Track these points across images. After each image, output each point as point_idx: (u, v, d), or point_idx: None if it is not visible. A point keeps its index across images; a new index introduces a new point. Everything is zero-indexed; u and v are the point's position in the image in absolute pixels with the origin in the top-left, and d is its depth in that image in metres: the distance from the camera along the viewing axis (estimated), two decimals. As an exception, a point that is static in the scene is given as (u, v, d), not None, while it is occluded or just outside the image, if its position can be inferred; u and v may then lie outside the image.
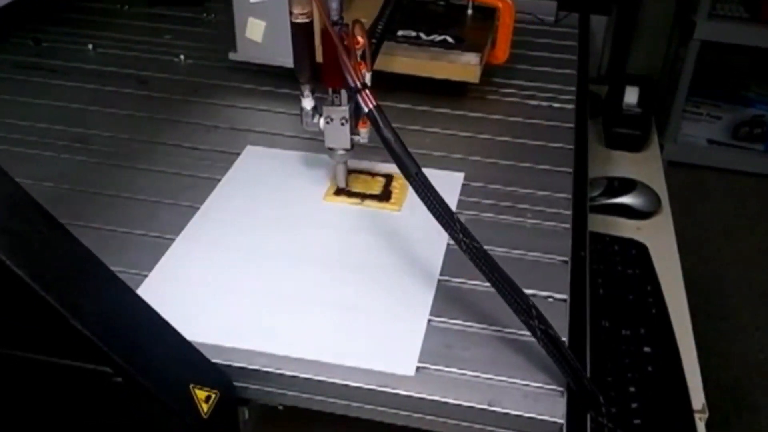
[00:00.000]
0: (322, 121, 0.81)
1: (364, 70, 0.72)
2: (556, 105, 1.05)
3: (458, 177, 0.89)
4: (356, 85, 0.68)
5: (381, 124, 0.66)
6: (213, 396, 0.61)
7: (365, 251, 0.79)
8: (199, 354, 0.63)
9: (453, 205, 0.84)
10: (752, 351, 1.86)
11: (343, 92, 0.78)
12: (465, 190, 0.88)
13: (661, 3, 2.12)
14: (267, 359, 0.66)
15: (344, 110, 0.79)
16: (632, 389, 0.90)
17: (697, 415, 0.90)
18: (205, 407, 0.60)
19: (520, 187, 0.88)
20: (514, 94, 1.07)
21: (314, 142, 0.94)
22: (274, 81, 1.08)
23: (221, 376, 0.65)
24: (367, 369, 0.66)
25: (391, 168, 0.87)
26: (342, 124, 0.80)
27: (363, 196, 0.86)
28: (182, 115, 1.01)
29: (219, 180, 0.88)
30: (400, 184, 0.87)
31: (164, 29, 1.24)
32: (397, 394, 0.64)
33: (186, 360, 0.62)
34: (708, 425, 0.90)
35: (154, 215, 0.83)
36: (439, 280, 0.75)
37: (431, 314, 0.71)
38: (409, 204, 0.85)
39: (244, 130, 0.98)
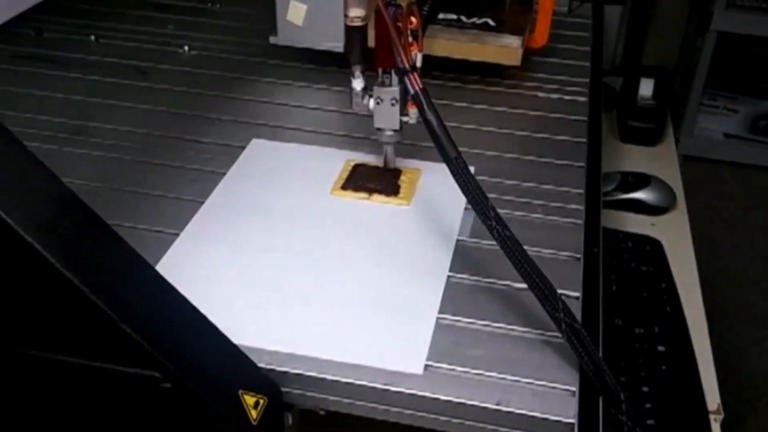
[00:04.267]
0: (371, 101, 0.81)
1: (415, 51, 0.73)
2: (568, 97, 1.04)
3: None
4: (405, 66, 0.69)
5: (425, 106, 0.68)
6: (261, 402, 0.60)
7: (372, 247, 0.78)
8: (247, 358, 0.62)
9: (464, 199, 0.82)
10: (769, 350, 1.85)
11: (394, 73, 0.79)
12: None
13: (677, -7, 2.11)
14: (268, 356, 0.65)
15: (395, 91, 0.80)
16: (646, 389, 0.90)
17: (711, 416, 0.89)
18: (254, 413, 0.59)
19: (531, 182, 0.87)
20: (525, 87, 1.06)
21: (320, 135, 0.93)
22: (279, 73, 1.07)
23: (269, 381, 0.64)
24: (374, 367, 0.65)
25: (400, 162, 0.87)
26: (392, 104, 0.80)
27: (371, 191, 0.84)
28: (186, 107, 1.00)
29: (224, 174, 0.87)
30: (408, 178, 0.86)
31: (168, 20, 1.23)
32: (404, 393, 0.63)
33: (234, 365, 0.61)
34: (723, 426, 0.89)
35: (157, 210, 0.82)
36: (448, 277, 0.74)
37: (440, 312, 0.70)
38: (418, 199, 0.84)
39: (249, 123, 0.97)
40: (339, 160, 0.88)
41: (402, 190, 0.85)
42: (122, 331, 0.50)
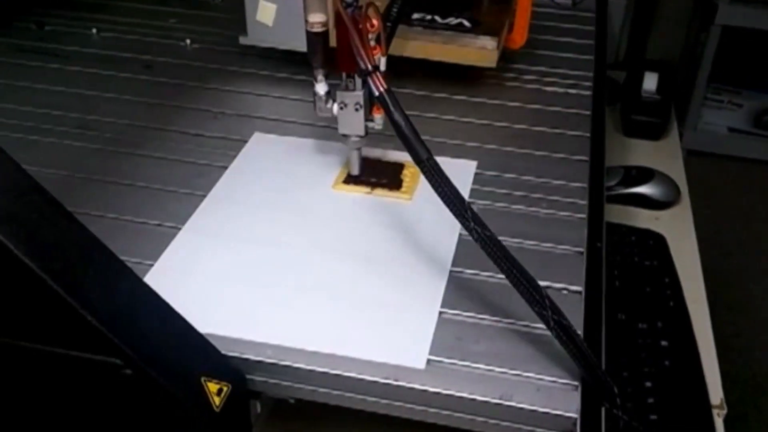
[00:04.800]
0: (335, 106, 0.79)
1: (378, 54, 0.71)
2: (572, 91, 1.03)
3: (471, 165, 0.88)
4: (367, 67, 0.67)
5: (392, 107, 0.66)
6: (225, 389, 0.60)
7: (375, 241, 0.77)
8: (211, 346, 0.62)
9: (466, 194, 0.83)
10: (772, 346, 1.85)
11: (358, 77, 0.77)
12: (478, 178, 0.86)
13: (682, -14, 2.10)
14: (273, 350, 0.65)
15: (358, 95, 0.78)
16: (649, 384, 0.89)
17: (715, 411, 0.89)
18: (217, 400, 0.59)
19: (534, 176, 0.86)
20: (529, 80, 1.06)
21: (323, 129, 0.93)
22: (281, 66, 1.06)
23: (233, 369, 0.64)
24: (377, 361, 0.65)
25: (403, 156, 0.87)
26: (356, 109, 0.78)
27: (373, 185, 0.84)
28: (188, 100, 1.00)
29: (226, 168, 0.87)
30: (411, 172, 0.85)
31: (170, 13, 1.22)
32: (406, 387, 0.63)
33: (197, 352, 0.61)
34: (726, 421, 0.89)
35: (159, 203, 0.82)
36: (451, 271, 0.74)
37: (442, 306, 0.70)
38: (421, 193, 0.83)
39: (251, 117, 0.97)
40: (342, 155, 0.88)
41: (404, 184, 0.84)
42: (82, 318, 0.50)
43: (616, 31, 1.55)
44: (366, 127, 0.80)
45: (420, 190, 0.84)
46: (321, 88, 0.80)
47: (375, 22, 0.71)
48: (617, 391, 0.63)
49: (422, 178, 0.84)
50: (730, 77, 2.27)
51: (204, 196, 0.83)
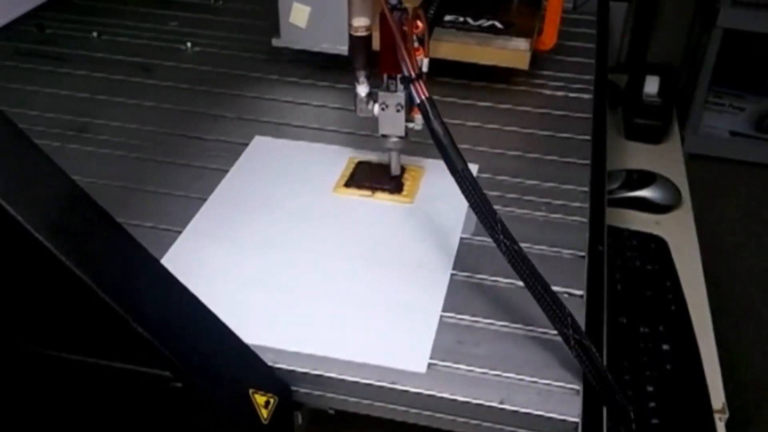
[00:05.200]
0: (377, 107, 0.80)
1: (421, 56, 0.72)
2: (573, 95, 1.03)
3: (472, 169, 0.87)
4: (411, 74, 0.68)
5: (431, 116, 0.66)
6: (272, 401, 0.60)
7: (376, 245, 0.77)
8: (258, 358, 0.62)
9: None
10: (774, 350, 1.84)
11: (399, 78, 0.77)
12: (481, 182, 0.85)
13: (684, -11, 2.10)
14: (271, 354, 0.65)
15: (400, 97, 0.78)
16: (650, 388, 0.89)
17: (716, 415, 0.89)
18: (264, 413, 0.59)
19: (535, 180, 0.86)
20: (530, 84, 1.05)
21: (324, 133, 0.93)
22: (284, 70, 1.07)
23: (279, 381, 0.64)
24: (377, 365, 0.64)
25: (404, 159, 0.86)
26: (397, 110, 0.79)
27: (374, 188, 0.84)
28: (189, 104, 1.00)
29: (227, 171, 0.87)
30: (412, 176, 0.85)
31: (171, 16, 1.22)
32: (407, 391, 0.63)
33: (245, 364, 0.61)
34: (728, 425, 0.89)
35: (159, 207, 0.82)
36: (452, 275, 0.74)
37: (443, 310, 0.70)
38: (422, 196, 0.83)
39: (252, 120, 0.96)
40: (342, 158, 0.88)
41: (405, 188, 0.84)
42: (133, 330, 0.50)
43: (617, 34, 1.55)
44: (406, 127, 0.80)
45: (421, 193, 0.84)
46: (362, 89, 0.80)
47: (420, 24, 0.72)
48: (633, 416, 0.63)
49: (423, 181, 0.85)
50: (732, 80, 2.26)
51: (204, 200, 0.82)
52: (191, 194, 0.83)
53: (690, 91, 2.17)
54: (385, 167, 0.86)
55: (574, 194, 0.84)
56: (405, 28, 0.70)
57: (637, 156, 1.33)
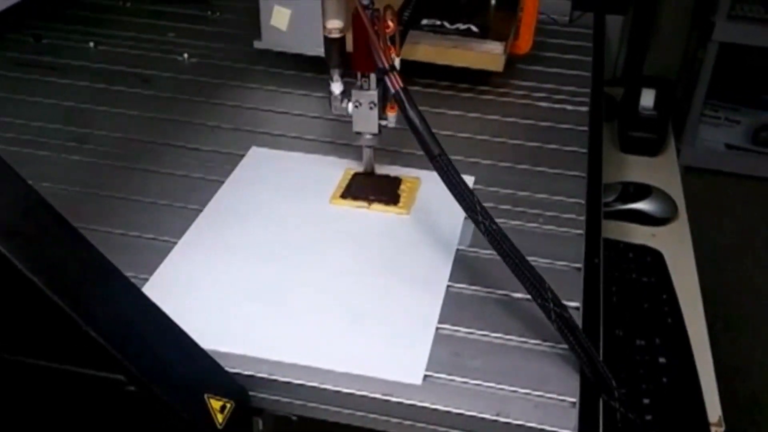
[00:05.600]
0: (350, 105, 0.81)
1: (393, 54, 0.73)
2: (569, 107, 1.03)
3: (468, 181, 0.87)
4: (385, 66, 0.70)
5: (407, 105, 0.68)
6: (228, 406, 0.60)
7: (372, 256, 0.77)
8: (215, 363, 0.62)
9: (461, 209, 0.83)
10: (771, 363, 1.84)
11: (372, 77, 0.79)
12: (476, 193, 0.85)
13: (679, 3, 2.10)
14: (270, 366, 0.65)
15: (373, 94, 0.80)
16: (647, 401, 0.89)
17: (713, 428, 0.89)
18: (220, 417, 0.59)
19: (532, 192, 0.86)
20: (526, 96, 1.06)
21: (320, 144, 0.93)
22: (281, 81, 1.06)
23: (237, 386, 0.63)
24: (373, 377, 0.64)
25: (400, 171, 0.86)
26: (370, 108, 0.80)
27: (370, 200, 0.84)
28: (185, 115, 0.99)
29: (223, 182, 0.87)
30: (408, 187, 0.85)
31: (168, 27, 1.22)
32: (403, 403, 0.63)
33: (201, 369, 0.61)
34: (724, 439, 0.88)
35: (155, 217, 0.82)
36: (448, 286, 0.73)
37: (439, 322, 0.70)
38: (418, 208, 0.83)
39: (248, 131, 0.96)
40: (339, 169, 0.88)
41: (402, 200, 0.84)
42: (86, 334, 0.50)
43: (613, 47, 1.56)
44: (379, 125, 0.81)
45: (417, 204, 0.84)
46: (336, 87, 0.82)
47: (391, 23, 0.74)
48: (615, 385, 0.63)
49: (419, 193, 0.85)
50: (728, 94, 2.27)
51: (200, 211, 0.82)
52: (187, 205, 0.83)
53: (686, 104, 2.18)
54: (381, 178, 0.86)
55: (571, 207, 0.84)
56: (376, 27, 0.72)
57: (633, 169, 1.33)
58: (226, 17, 1.26)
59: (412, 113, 0.68)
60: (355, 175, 0.87)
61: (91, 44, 1.17)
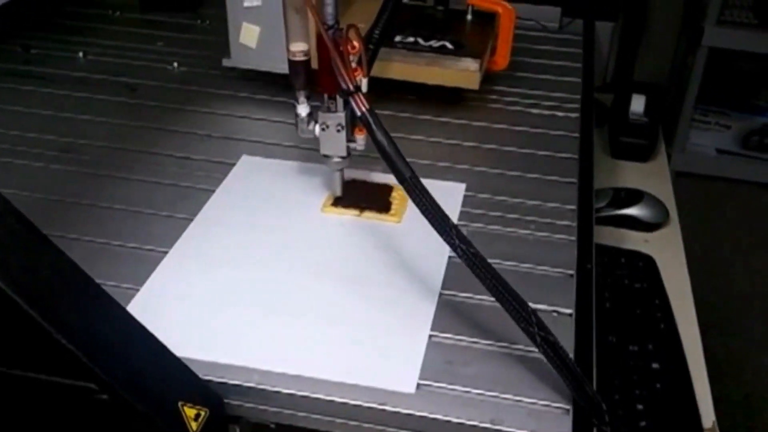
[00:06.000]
0: (317, 128, 0.79)
1: (359, 76, 0.71)
2: (560, 114, 1.03)
3: (460, 188, 0.87)
4: (349, 87, 0.68)
5: (374, 127, 0.66)
6: (203, 414, 0.59)
7: (364, 264, 0.77)
8: (189, 370, 0.62)
9: (455, 216, 0.83)
10: (764, 368, 1.84)
11: (339, 98, 0.77)
12: (467, 201, 0.86)
13: (669, 9, 2.11)
14: (261, 375, 0.64)
15: (340, 117, 0.78)
16: (640, 407, 0.89)
17: (707, 434, 0.88)
18: (194, 425, 0.58)
19: (523, 198, 0.86)
20: (517, 103, 1.06)
21: (312, 152, 0.92)
22: (271, 89, 1.06)
23: (211, 394, 0.63)
24: (366, 386, 0.64)
25: (392, 178, 0.86)
26: (338, 130, 0.78)
27: (362, 207, 0.84)
28: (175, 123, 0.99)
29: (213, 191, 0.86)
30: (400, 195, 0.85)
31: (157, 36, 1.22)
32: (396, 412, 0.62)
33: (175, 377, 0.60)
34: (719, 444, 0.88)
35: (145, 227, 0.81)
36: (441, 294, 0.73)
37: (432, 329, 0.69)
38: (410, 215, 0.83)
39: (239, 140, 0.96)
40: (330, 177, 0.87)
41: (393, 207, 0.84)
42: (57, 342, 0.50)
43: (603, 53, 1.56)
44: (348, 147, 0.80)
45: (409, 212, 0.83)
46: (302, 109, 0.80)
47: (356, 44, 0.71)
48: (605, 408, 0.62)
49: (411, 201, 0.84)
50: (718, 99, 2.28)
51: (191, 220, 0.82)
52: (178, 214, 0.83)
53: (676, 109, 2.18)
54: (373, 186, 0.86)
55: (563, 213, 0.84)
56: (341, 47, 0.70)
57: (624, 174, 1.33)
58: (214, 26, 1.26)
59: (379, 135, 0.65)
60: (347, 183, 0.87)
61: (80, 54, 1.16)
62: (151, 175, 0.89)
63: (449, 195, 0.85)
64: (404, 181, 0.64)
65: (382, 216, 0.83)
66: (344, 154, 0.80)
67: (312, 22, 0.74)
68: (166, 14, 1.29)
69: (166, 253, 0.77)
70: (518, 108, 1.05)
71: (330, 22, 0.73)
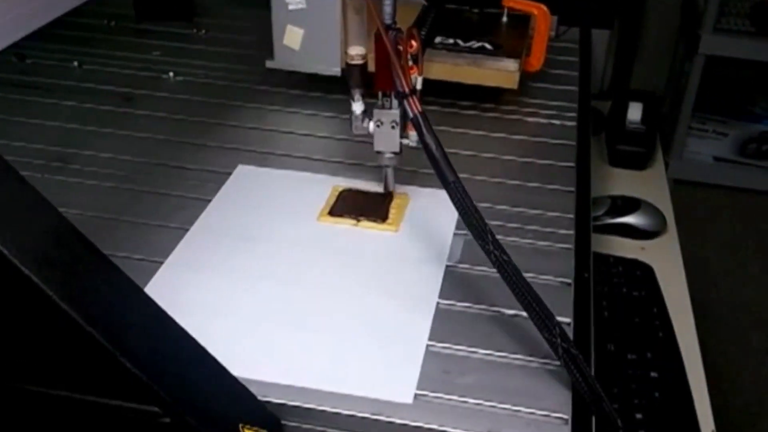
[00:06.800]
0: (371, 124, 0.81)
1: (415, 74, 0.74)
2: (557, 122, 1.03)
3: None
4: (405, 90, 0.69)
5: (424, 130, 0.68)
6: None
7: (360, 273, 0.77)
8: (248, 391, 0.61)
9: (452, 224, 0.83)
10: (763, 376, 1.84)
11: (394, 98, 0.79)
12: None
13: (665, 17, 2.12)
14: (256, 386, 0.63)
15: (395, 114, 0.80)
16: (639, 416, 0.88)
17: (706, 442, 0.88)
18: None
19: (520, 207, 0.86)
20: (514, 111, 1.06)
21: (308, 161, 0.92)
22: (265, 98, 1.06)
23: (270, 414, 0.63)
24: (363, 396, 0.63)
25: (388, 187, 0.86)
26: (392, 127, 0.80)
27: (358, 217, 0.83)
28: (172, 133, 0.99)
29: (209, 201, 0.86)
30: (397, 204, 0.85)
31: (153, 46, 1.22)
32: (393, 423, 0.62)
33: (235, 398, 0.60)
34: (718, 453, 0.88)
35: (142, 237, 0.81)
36: (438, 303, 0.73)
37: (429, 339, 0.69)
38: (407, 224, 0.83)
39: (235, 149, 0.96)
40: (326, 187, 0.88)
41: (390, 216, 0.84)
42: (121, 365, 0.49)
43: (600, 61, 1.56)
44: (401, 143, 0.81)
45: (406, 221, 0.83)
46: (358, 107, 0.81)
47: (414, 43, 0.74)
48: (621, 425, 0.62)
49: (408, 209, 0.84)
50: (715, 106, 2.28)
51: (187, 230, 0.82)
52: (173, 224, 0.82)
53: (673, 117, 2.19)
54: (369, 195, 0.86)
55: (560, 221, 0.84)
56: (399, 46, 0.72)
57: (622, 182, 1.33)
58: (212, 36, 1.26)
59: (429, 138, 0.67)
60: (343, 191, 0.87)
61: (76, 64, 1.16)
62: (147, 185, 0.89)
63: (447, 203, 0.85)
64: (447, 184, 0.66)
65: (379, 225, 0.83)
66: (397, 149, 0.82)
67: (370, 24, 0.76)
68: (162, 24, 1.28)
69: (160, 263, 0.77)
70: (516, 116, 1.05)
71: (389, 22, 0.74)
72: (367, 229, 0.83)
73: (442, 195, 0.85)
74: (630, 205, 1.21)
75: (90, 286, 0.50)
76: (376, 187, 0.87)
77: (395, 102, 0.79)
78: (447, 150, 0.95)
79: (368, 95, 0.81)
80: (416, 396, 0.64)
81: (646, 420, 0.88)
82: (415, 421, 0.62)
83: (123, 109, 1.05)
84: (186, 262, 0.77)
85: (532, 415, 0.62)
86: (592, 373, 0.67)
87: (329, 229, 0.83)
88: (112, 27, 1.29)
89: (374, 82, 0.78)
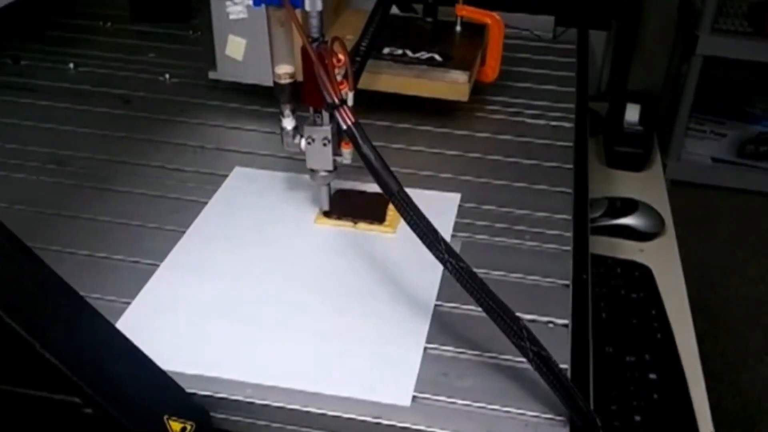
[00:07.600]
0: (303, 141, 0.78)
1: (345, 89, 0.70)
2: (554, 123, 1.03)
3: (454, 198, 0.87)
4: (334, 100, 0.67)
5: (360, 141, 0.65)
6: (189, 427, 0.59)
7: (358, 276, 0.76)
8: (174, 384, 0.61)
9: (449, 227, 0.83)
10: (761, 377, 1.84)
11: (325, 112, 0.76)
12: (461, 211, 0.86)
13: (663, 17, 2.11)
14: (253, 389, 0.64)
15: (326, 130, 0.77)
16: (638, 418, 0.88)
17: (705, 444, 0.88)
18: None
19: (518, 208, 0.86)
20: (512, 113, 1.06)
21: (304, 163, 0.91)
22: (262, 100, 1.06)
23: (198, 407, 0.62)
24: (360, 399, 0.63)
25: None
26: (324, 144, 0.78)
27: (356, 219, 0.83)
28: (167, 135, 0.99)
29: (206, 203, 0.86)
30: (395, 205, 0.84)
31: (148, 47, 1.22)
32: (391, 426, 0.62)
33: (160, 390, 0.60)
34: (717, 454, 0.88)
35: (137, 240, 0.81)
36: (436, 306, 0.73)
37: (427, 341, 0.69)
38: (404, 226, 0.82)
39: (231, 151, 0.96)
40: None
41: (388, 218, 0.83)
42: (41, 356, 0.49)
43: (597, 62, 1.56)
44: (334, 161, 0.79)
45: (403, 223, 0.82)
46: (288, 123, 0.79)
47: (341, 56, 0.70)
48: (600, 424, 0.62)
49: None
50: (713, 107, 2.28)
51: (183, 232, 0.81)
52: (170, 227, 0.82)
53: (671, 118, 2.19)
54: (367, 196, 0.86)
55: (558, 223, 0.84)
56: (326, 60, 0.69)
57: (619, 184, 1.33)
58: (207, 37, 1.25)
59: (366, 149, 0.65)
60: (340, 193, 0.86)
61: (71, 65, 1.16)
62: (143, 187, 0.89)
63: (444, 205, 0.85)
64: (392, 195, 0.64)
65: (377, 226, 0.83)
66: (330, 168, 0.79)
67: (297, 38, 0.72)
68: (158, 25, 1.28)
69: (156, 266, 0.77)
70: (513, 117, 1.05)
71: (315, 35, 0.72)
72: (365, 230, 0.82)
73: (439, 197, 0.86)
74: (628, 206, 1.21)
75: (10, 278, 0.51)
76: (373, 189, 0.87)
77: (327, 118, 0.76)
78: (451, 152, 0.96)
79: (303, 108, 0.78)
80: (414, 398, 0.64)
81: (645, 422, 0.88)
82: (413, 424, 0.62)
83: (119, 110, 1.05)
84: (183, 264, 0.77)
85: (530, 417, 0.62)
86: (590, 375, 0.67)
87: (326, 231, 0.83)
88: (108, 29, 1.29)
89: (303, 96, 0.75)
